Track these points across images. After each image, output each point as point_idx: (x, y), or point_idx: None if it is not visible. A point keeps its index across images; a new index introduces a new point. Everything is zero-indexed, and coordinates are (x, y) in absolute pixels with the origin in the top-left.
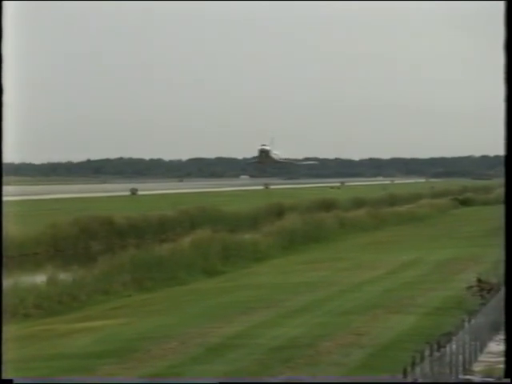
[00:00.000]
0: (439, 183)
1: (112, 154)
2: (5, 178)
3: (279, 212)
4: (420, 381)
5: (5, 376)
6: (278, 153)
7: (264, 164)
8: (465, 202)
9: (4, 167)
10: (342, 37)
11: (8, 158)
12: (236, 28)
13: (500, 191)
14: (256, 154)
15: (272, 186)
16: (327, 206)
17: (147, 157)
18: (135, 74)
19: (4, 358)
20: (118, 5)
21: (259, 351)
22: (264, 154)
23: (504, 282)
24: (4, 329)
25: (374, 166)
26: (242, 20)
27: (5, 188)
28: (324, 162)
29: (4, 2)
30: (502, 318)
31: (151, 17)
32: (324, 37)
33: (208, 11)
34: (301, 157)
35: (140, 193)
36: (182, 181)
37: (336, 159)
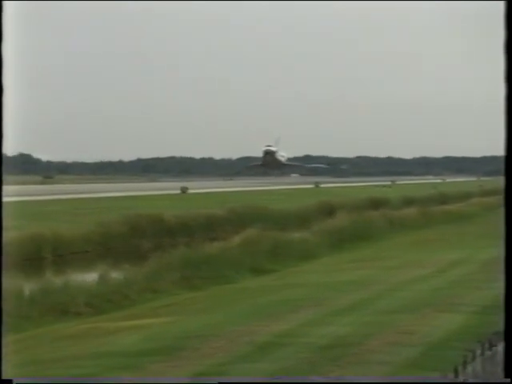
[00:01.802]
0: (490, 182)
1: (163, 152)
2: (57, 177)
3: (329, 210)
4: (471, 381)
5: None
6: (285, 154)
7: (268, 167)
8: None
9: (56, 166)
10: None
11: (59, 157)
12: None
13: None
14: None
15: (322, 185)
16: (376, 204)
17: (198, 155)
18: (179, 74)
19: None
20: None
21: (307, 350)
22: (269, 155)
23: (504, 281)
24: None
25: (425, 165)
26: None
27: (57, 186)
28: (375, 161)
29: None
30: None
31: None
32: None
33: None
34: (352, 155)
35: (190, 191)
36: (231, 179)
37: (388, 158)
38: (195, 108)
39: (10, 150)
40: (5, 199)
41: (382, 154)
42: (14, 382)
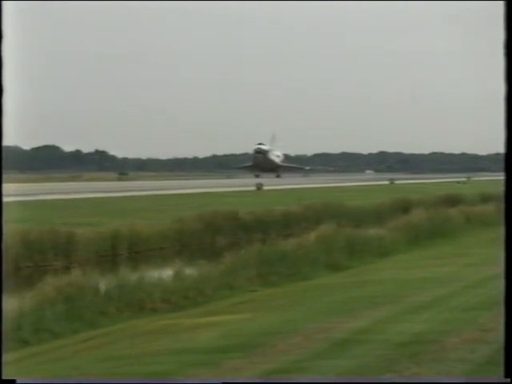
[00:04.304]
0: None
1: (237, 149)
2: (132, 174)
3: (404, 207)
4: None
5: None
6: (280, 154)
7: (260, 168)
8: None
9: (132, 162)
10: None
11: (134, 154)
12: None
13: None
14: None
15: (397, 181)
16: (453, 200)
17: None
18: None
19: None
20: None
21: (384, 347)
22: (261, 155)
23: (504, 281)
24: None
25: (501, 161)
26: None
27: (132, 183)
28: (450, 157)
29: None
30: None
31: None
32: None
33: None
34: (427, 152)
35: (265, 188)
36: (306, 176)
37: (462, 154)
38: (269, 105)
39: (86, 147)
40: (83, 195)
41: (457, 151)
42: (18, 382)
